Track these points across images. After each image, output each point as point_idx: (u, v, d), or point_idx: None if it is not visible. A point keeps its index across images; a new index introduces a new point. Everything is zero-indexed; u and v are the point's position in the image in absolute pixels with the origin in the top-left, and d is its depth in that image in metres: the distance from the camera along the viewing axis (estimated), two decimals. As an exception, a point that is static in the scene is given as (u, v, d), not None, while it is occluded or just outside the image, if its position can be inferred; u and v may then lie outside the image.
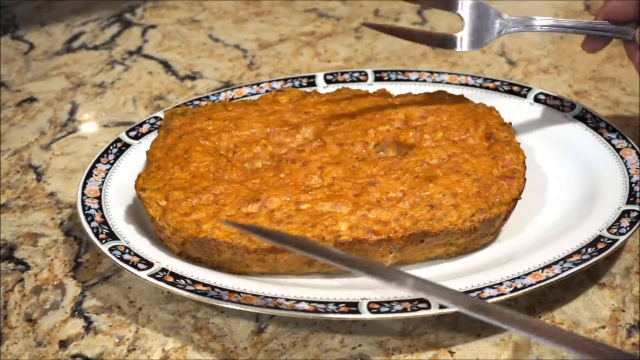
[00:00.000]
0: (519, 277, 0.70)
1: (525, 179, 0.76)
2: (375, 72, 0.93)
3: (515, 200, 0.75)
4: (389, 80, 0.92)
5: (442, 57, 1.05)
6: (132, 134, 0.86)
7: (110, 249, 0.73)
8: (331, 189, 0.75)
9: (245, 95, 0.91)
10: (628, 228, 0.73)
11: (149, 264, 0.72)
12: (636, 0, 0.76)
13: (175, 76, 1.04)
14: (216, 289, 0.70)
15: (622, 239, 0.73)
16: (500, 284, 0.70)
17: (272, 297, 0.70)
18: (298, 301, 0.69)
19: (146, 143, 0.84)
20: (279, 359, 0.69)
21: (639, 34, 0.77)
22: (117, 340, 0.71)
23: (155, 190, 0.76)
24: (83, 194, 0.79)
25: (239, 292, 0.70)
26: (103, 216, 0.77)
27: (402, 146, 0.80)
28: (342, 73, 0.93)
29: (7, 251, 0.80)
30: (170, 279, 0.71)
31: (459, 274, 0.73)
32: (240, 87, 0.92)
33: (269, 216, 0.72)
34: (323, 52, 1.08)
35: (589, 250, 0.72)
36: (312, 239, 0.70)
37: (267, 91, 0.91)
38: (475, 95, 0.88)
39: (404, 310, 0.68)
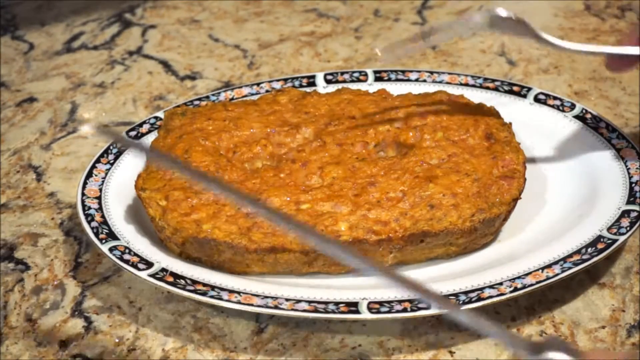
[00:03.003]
0: (519, 277, 0.70)
1: (525, 179, 0.76)
2: (375, 72, 0.93)
3: (515, 200, 0.75)
4: (389, 80, 0.92)
5: (442, 57, 1.05)
6: (132, 134, 0.86)
7: (110, 249, 0.73)
8: (331, 189, 0.75)
9: (245, 95, 0.91)
10: (628, 228, 0.73)
11: (149, 264, 0.72)
12: None
13: (175, 76, 1.04)
14: (216, 289, 0.70)
15: (622, 239, 0.73)
16: (500, 284, 0.70)
17: (272, 297, 0.70)
18: (298, 301, 0.69)
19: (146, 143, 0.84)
20: (279, 359, 0.69)
21: None
22: (117, 340, 0.71)
23: (155, 190, 0.75)
24: (83, 194, 0.79)
25: (239, 292, 0.70)
26: (103, 216, 0.77)
27: (402, 146, 0.80)
28: (342, 73, 0.93)
29: (7, 251, 0.80)
30: (170, 279, 0.71)
31: (459, 274, 0.72)
32: (240, 87, 0.92)
33: (269, 216, 0.72)
34: (323, 52, 1.08)
35: (589, 250, 0.72)
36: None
37: (267, 91, 0.91)
38: (475, 95, 0.88)
39: (404, 310, 0.68)
